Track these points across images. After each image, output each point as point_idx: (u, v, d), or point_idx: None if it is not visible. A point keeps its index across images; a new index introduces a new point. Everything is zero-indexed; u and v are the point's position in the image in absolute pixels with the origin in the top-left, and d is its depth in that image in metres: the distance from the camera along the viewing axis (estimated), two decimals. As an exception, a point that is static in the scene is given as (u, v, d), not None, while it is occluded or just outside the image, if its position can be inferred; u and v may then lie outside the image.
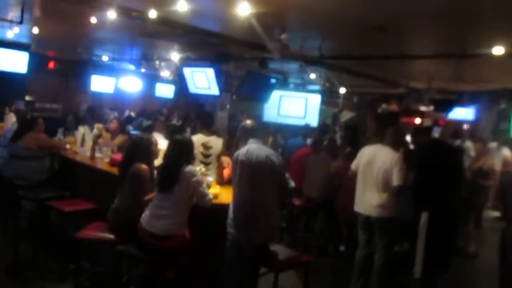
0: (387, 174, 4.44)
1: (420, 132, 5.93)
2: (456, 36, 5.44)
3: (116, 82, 14.03)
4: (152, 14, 5.01)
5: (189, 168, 3.58)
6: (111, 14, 4.90)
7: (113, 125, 6.33)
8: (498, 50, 5.54)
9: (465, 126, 13.09)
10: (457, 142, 8.77)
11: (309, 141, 9.04)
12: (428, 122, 16.46)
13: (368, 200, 4.57)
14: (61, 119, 10.93)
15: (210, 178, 4.29)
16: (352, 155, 5.18)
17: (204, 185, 3.70)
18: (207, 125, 5.24)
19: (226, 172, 4.52)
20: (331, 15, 4.98)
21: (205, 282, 3.85)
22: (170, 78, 14.42)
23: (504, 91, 9.85)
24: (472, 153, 8.32)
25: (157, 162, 4.20)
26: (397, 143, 4.75)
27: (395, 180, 4.38)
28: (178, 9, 4.59)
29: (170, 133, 5.92)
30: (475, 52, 5.74)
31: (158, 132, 5.75)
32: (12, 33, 7.42)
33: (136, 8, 5.11)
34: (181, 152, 3.69)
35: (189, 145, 3.81)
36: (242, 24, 5.23)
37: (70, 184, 5.33)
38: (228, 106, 9.08)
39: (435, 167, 4.44)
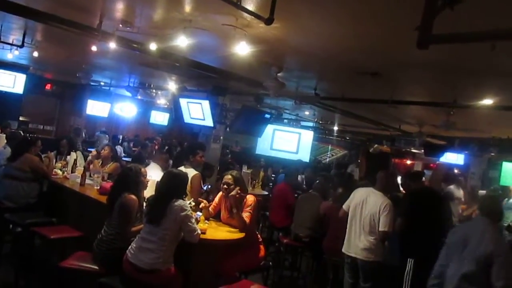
0: (375, 218, 4.49)
1: (411, 177, 5.98)
2: (448, 86, 5.58)
3: (111, 107, 14.10)
4: (152, 46, 5.12)
5: (178, 202, 3.57)
6: (112, 44, 4.98)
7: (104, 152, 6.31)
8: (487, 102, 5.72)
9: (456, 171, 13.28)
10: (451, 188, 8.85)
11: (300, 178, 9.09)
12: (418, 165, 16.70)
13: (355, 242, 4.60)
14: (54, 140, 10.90)
15: (199, 213, 4.28)
16: (343, 197, 5.23)
17: (193, 220, 3.69)
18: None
19: (212, 207, 4.54)
20: (327, 58, 5.11)
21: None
22: (166, 106, 14.57)
23: (493, 140, 10.03)
24: (461, 199, 8.40)
25: (147, 193, 4.21)
26: (388, 187, 4.82)
27: (382, 226, 4.43)
28: (178, 44, 4.69)
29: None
30: (466, 103, 5.89)
31: (156, 163, 5.72)
32: (11, 55, 7.50)
33: (137, 40, 5.21)
34: (173, 186, 3.70)
35: (183, 179, 3.81)
36: (240, 60, 5.35)
37: (58, 210, 5.28)
38: (221, 138, 9.09)
39: (423, 215, 4.48)
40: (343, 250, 4.73)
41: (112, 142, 12.58)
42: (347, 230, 4.73)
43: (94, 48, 5.75)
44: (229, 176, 4.40)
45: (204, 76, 7.09)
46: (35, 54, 7.55)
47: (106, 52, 6.30)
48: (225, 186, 4.36)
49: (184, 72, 7.37)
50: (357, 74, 5.49)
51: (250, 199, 4.36)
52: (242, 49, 4.43)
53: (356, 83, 6.23)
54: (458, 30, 2.41)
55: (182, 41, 4.57)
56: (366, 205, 4.60)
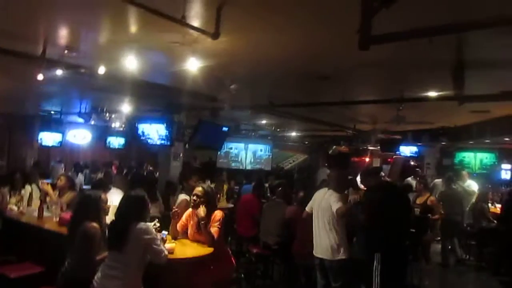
0: (331, 214, 4.58)
1: (369, 174, 6.13)
2: (394, 83, 5.81)
3: (64, 135, 13.65)
4: (101, 70, 5.04)
5: (140, 225, 3.46)
6: (59, 71, 4.88)
7: (60, 182, 6.10)
8: (432, 94, 5.99)
9: (412, 163, 13.76)
10: (409, 180, 9.17)
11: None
12: (377, 162, 17.15)
13: (321, 242, 4.69)
14: (6, 176, 10.42)
15: (165, 232, 4.22)
16: (305, 199, 5.31)
17: (158, 242, 3.60)
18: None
19: (180, 225, 4.49)
20: (277, 67, 5.20)
21: None
22: (121, 128, 14.27)
23: (442, 130, 10.48)
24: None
25: (109, 219, 4.11)
26: (341, 185, 4.91)
27: (334, 207, 4.51)
28: (127, 65, 4.64)
29: None
30: (412, 96, 6.13)
31: (117, 187, 5.61)
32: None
33: (84, 65, 5.11)
34: (132, 208, 3.58)
35: (141, 201, 3.70)
36: (192, 76, 5.35)
37: (16, 247, 5.06)
38: (181, 155, 9.01)
39: (382, 210, 4.60)
40: (313, 252, 4.79)
41: (75, 171, 12.28)
42: (313, 232, 4.81)
43: (40, 77, 5.57)
44: (200, 189, 4.39)
45: (157, 95, 7.04)
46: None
47: (53, 80, 6.10)
48: (194, 197, 4.34)
49: (136, 93, 7.29)
50: (307, 80, 5.63)
51: (218, 214, 4.35)
52: (192, 65, 4.45)
53: (309, 88, 6.37)
54: (399, 29, 2.54)
55: (131, 62, 4.54)
56: (323, 205, 4.70)
